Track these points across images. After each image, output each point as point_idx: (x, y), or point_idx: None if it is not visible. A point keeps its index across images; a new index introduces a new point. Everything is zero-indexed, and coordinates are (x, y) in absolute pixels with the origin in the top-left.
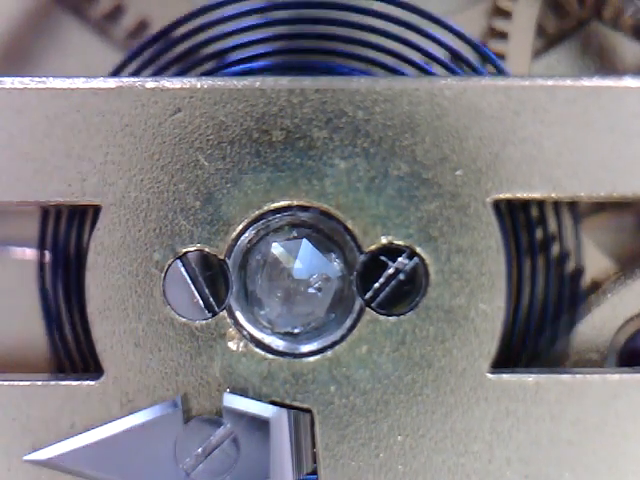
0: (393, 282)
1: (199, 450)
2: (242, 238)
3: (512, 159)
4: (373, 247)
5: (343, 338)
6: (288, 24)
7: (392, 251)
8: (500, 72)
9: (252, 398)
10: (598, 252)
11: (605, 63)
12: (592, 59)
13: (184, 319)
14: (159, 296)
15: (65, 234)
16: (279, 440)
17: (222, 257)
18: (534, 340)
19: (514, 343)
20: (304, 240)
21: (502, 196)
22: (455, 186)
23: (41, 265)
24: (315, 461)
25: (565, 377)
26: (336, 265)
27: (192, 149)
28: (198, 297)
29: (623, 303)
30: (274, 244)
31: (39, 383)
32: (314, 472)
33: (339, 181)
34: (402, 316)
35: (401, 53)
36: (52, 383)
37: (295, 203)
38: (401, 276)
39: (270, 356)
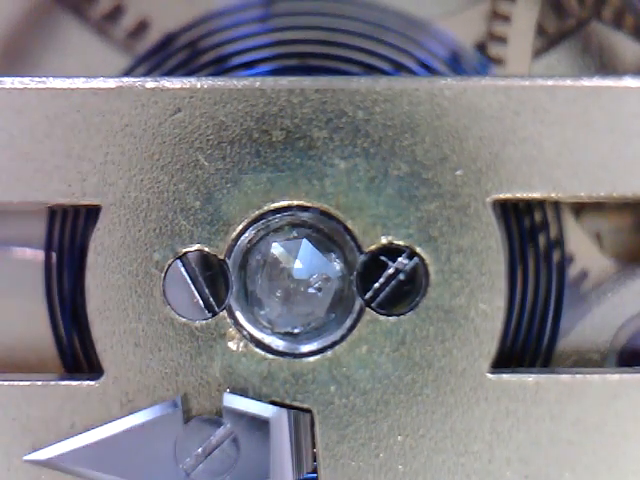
0: (393, 282)
1: (199, 450)
2: (242, 238)
3: (512, 159)
4: (373, 247)
5: (343, 338)
6: None
7: (392, 251)
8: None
9: (252, 398)
10: (598, 252)
11: (605, 63)
12: (592, 59)
13: (184, 319)
14: (159, 296)
15: (71, 234)
16: (279, 440)
17: (222, 257)
18: (534, 340)
19: (514, 343)
20: (304, 240)
21: (502, 196)
22: (455, 186)
23: (48, 265)
24: (315, 461)
25: (565, 377)
26: (336, 265)
27: (192, 149)
28: (198, 297)
29: (623, 303)
30: (274, 244)
31: (39, 383)
32: (314, 471)
33: (339, 181)
34: (402, 316)
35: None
36: (52, 383)
37: (295, 203)
38: (401, 276)
39: (270, 356)
